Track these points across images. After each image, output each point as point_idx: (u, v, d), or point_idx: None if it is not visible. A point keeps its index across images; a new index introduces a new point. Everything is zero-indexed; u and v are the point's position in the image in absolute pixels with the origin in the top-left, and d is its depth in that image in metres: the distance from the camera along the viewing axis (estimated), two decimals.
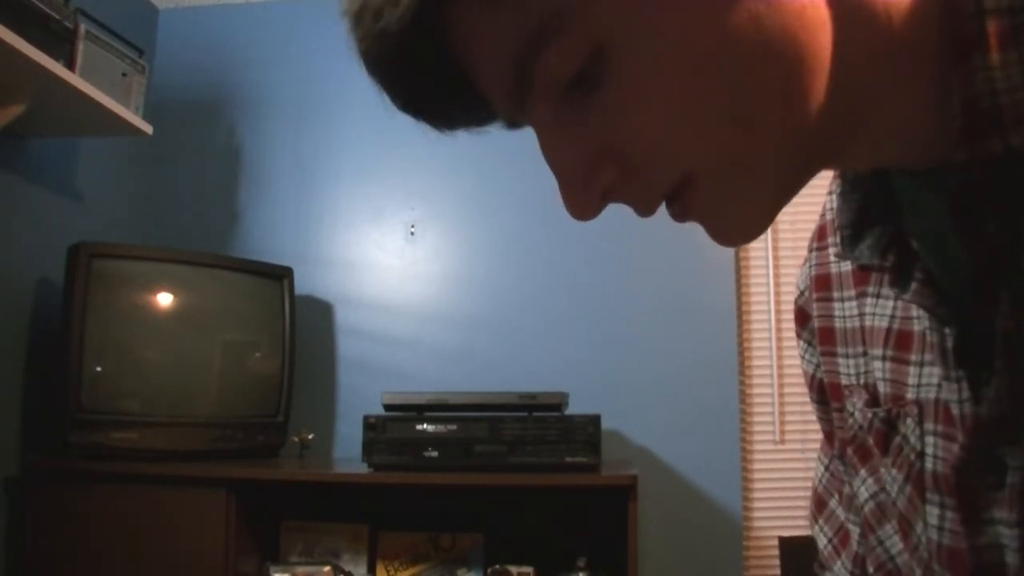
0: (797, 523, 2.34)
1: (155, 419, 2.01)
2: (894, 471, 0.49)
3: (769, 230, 2.45)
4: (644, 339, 2.41)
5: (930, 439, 0.45)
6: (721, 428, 2.35)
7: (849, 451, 0.54)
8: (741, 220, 0.40)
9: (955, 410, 0.42)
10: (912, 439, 0.47)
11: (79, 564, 1.86)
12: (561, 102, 0.39)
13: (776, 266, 2.46)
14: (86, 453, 1.92)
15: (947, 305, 0.43)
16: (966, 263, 0.39)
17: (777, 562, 2.05)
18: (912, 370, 0.47)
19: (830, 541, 0.59)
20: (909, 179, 0.43)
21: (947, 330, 0.43)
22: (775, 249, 2.47)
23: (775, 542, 2.12)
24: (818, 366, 0.58)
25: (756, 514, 2.36)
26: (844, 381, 0.55)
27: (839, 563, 0.58)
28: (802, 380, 2.31)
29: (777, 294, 2.44)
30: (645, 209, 0.42)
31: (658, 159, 0.38)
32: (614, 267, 2.46)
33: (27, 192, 2.10)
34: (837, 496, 0.60)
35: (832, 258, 0.56)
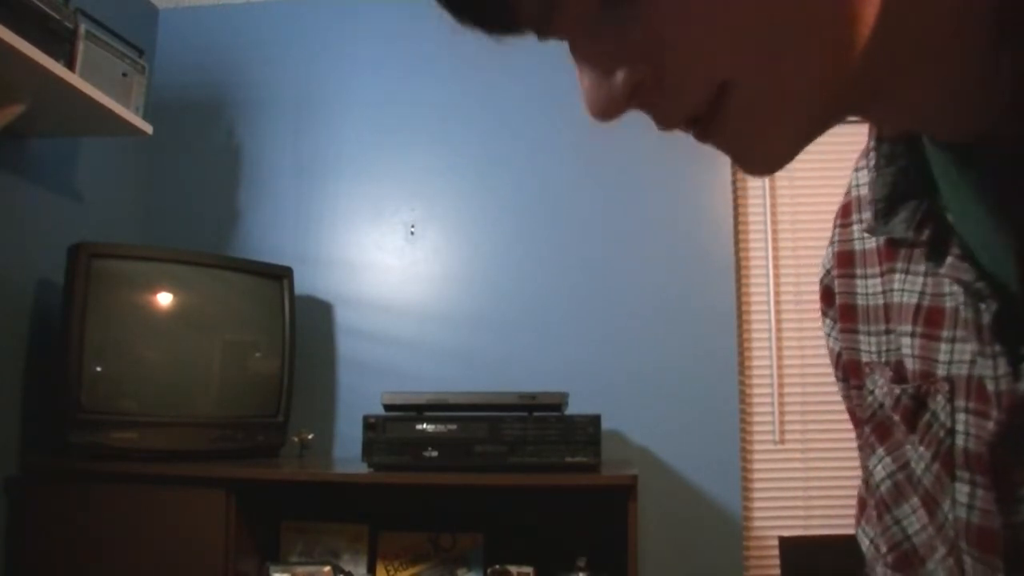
0: (797, 523, 2.34)
1: (155, 419, 2.01)
2: (921, 448, 0.48)
3: (769, 230, 2.46)
4: (644, 339, 2.41)
5: (961, 416, 0.45)
6: (721, 428, 2.35)
7: (866, 430, 0.54)
8: (769, 145, 0.38)
9: (991, 386, 0.42)
10: (942, 416, 0.46)
11: (79, 564, 1.87)
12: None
13: (776, 266, 2.46)
14: (86, 453, 1.92)
15: (984, 280, 0.42)
16: (1005, 238, 0.39)
17: (777, 562, 2.05)
18: (943, 347, 0.47)
19: (872, 541, 0.60)
20: (945, 152, 0.42)
21: (983, 305, 0.42)
22: (775, 249, 2.47)
23: (775, 542, 2.12)
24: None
25: (756, 514, 2.36)
26: (865, 358, 0.54)
27: (880, 564, 0.58)
28: (802, 379, 2.32)
29: (777, 294, 2.44)
30: (669, 120, 0.38)
31: (699, 63, 0.36)
32: (614, 267, 2.46)
33: (27, 192, 2.10)
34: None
35: (856, 235, 0.55)
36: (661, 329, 2.41)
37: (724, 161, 2.49)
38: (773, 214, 2.49)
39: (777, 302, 2.44)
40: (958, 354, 0.45)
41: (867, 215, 0.52)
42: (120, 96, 2.02)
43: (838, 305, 0.56)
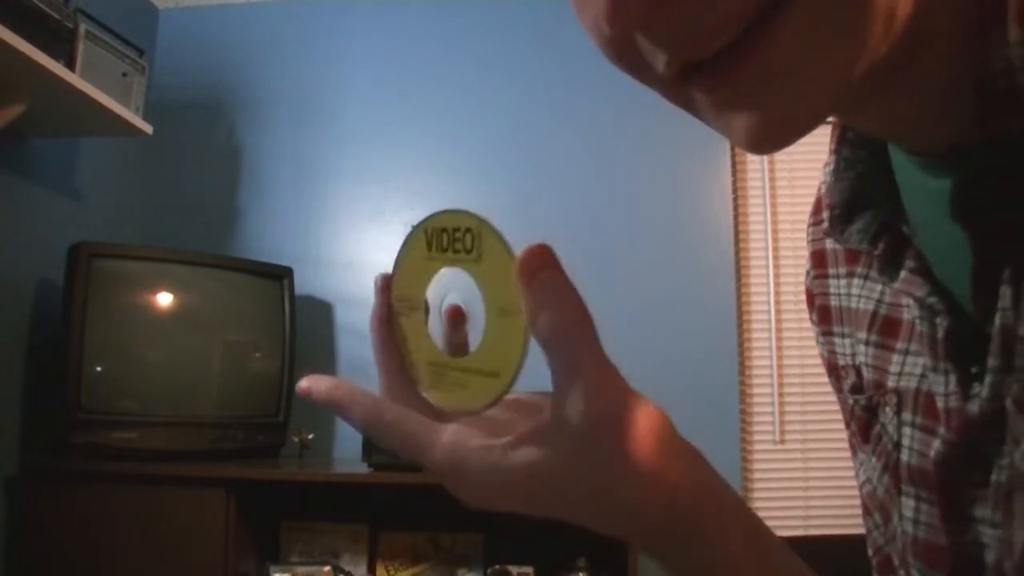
0: (797, 523, 2.34)
1: (155, 419, 2.01)
2: (874, 459, 0.48)
3: (769, 231, 2.46)
4: (644, 338, 2.41)
5: (907, 430, 0.44)
6: (721, 428, 2.35)
7: (848, 434, 0.53)
8: (807, 85, 0.32)
9: (940, 403, 0.41)
10: (890, 428, 0.46)
11: (79, 564, 1.87)
12: None
13: (776, 266, 2.46)
14: (86, 453, 1.92)
15: (939, 295, 0.41)
16: (965, 253, 0.37)
17: None
18: (895, 358, 0.46)
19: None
20: (914, 158, 0.41)
21: (938, 320, 0.41)
22: (775, 249, 2.47)
23: None
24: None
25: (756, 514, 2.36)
26: (840, 362, 0.54)
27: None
28: (802, 379, 2.31)
29: (777, 294, 2.44)
30: (693, 36, 0.31)
31: None
32: (614, 267, 2.46)
33: (27, 192, 2.10)
34: None
35: (825, 232, 0.54)
36: (661, 329, 2.41)
37: (724, 161, 2.49)
38: (773, 214, 2.49)
39: (777, 302, 2.44)
40: (909, 366, 0.45)
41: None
42: (120, 96, 2.02)
43: (817, 307, 0.56)
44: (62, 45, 1.85)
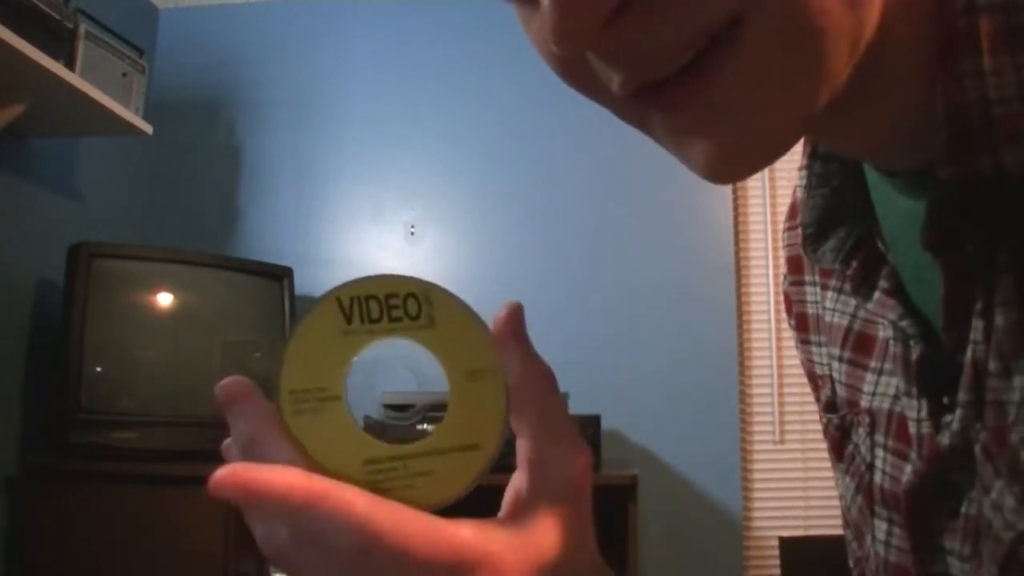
0: (797, 523, 2.34)
1: (155, 419, 2.01)
2: (847, 479, 0.47)
3: (769, 231, 2.46)
4: (644, 338, 2.41)
5: (880, 452, 0.43)
6: (721, 428, 2.35)
7: (827, 444, 0.52)
8: (763, 116, 0.30)
9: (912, 428, 0.40)
10: (863, 449, 0.45)
11: (79, 564, 1.86)
12: None
13: (776, 266, 2.46)
14: (86, 453, 1.92)
15: (912, 318, 0.40)
16: (938, 275, 0.36)
17: (777, 562, 2.05)
18: (869, 376, 0.44)
19: (849, 543, 0.59)
20: (888, 177, 0.39)
21: (912, 342, 0.40)
22: (775, 249, 2.47)
23: (775, 542, 2.12)
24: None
25: (756, 514, 2.36)
26: (818, 371, 0.52)
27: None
28: (802, 379, 2.30)
29: (777, 294, 2.44)
30: (644, 57, 0.29)
31: None
32: (614, 267, 2.46)
33: (27, 192, 2.10)
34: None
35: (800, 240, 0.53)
36: (661, 329, 2.41)
37: None
38: (773, 214, 2.49)
39: (777, 302, 2.44)
40: (882, 386, 0.43)
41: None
42: (120, 96, 2.02)
43: (795, 314, 0.54)
44: (62, 45, 1.85)
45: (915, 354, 0.39)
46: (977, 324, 0.34)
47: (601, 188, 2.50)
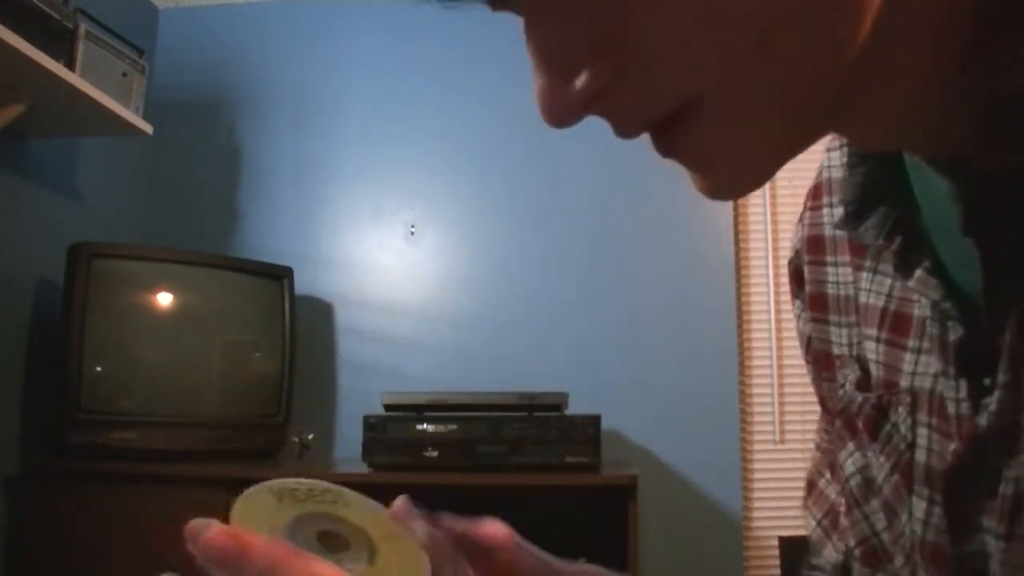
0: (797, 523, 2.34)
1: (155, 419, 2.01)
2: (882, 459, 0.47)
3: (769, 230, 2.46)
4: (644, 338, 2.41)
5: (923, 431, 0.44)
6: (721, 428, 2.35)
7: (838, 423, 0.52)
8: (740, 162, 0.35)
9: (951, 408, 0.41)
10: (903, 428, 0.45)
11: (79, 564, 1.86)
12: None
13: (776, 266, 2.46)
14: (86, 453, 1.92)
15: (953, 299, 0.40)
16: (977, 258, 0.37)
17: (777, 562, 2.05)
18: (908, 356, 0.45)
19: (819, 523, 0.57)
20: (927, 162, 0.40)
21: (950, 323, 0.40)
22: (775, 249, 2.47)
23: (775, 542, 2.12)
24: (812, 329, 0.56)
25: (756, 514, 2.36)
26: (836, 351, 0.53)
27: (829, 546, 0.56)
28: (802, 379, 2.30)
29: (777, 293, 2.44)
30: (629, 128, 0.35)
31: (668, 66, 0.32)
32: (614, 266, 2.46)
33: (27, 192, 2.10)
34: (828, 474, 0.58)
35: (826, 219, 0.53)
36: (661, 329, 2.41)
37: None
38: (773, 214, 2.49)
39: (777, 302, 2.44)
40: (923, 366, 0.44)
41: (836, 201, 0.50)
42: (120, 96, 2.02)
43: (808, 293, 0.54)
44: (62, 45, 1.85)
45: (953, 335, 0.40)
46: (1016, 307, 0.35)
47: (601, 188, 2.50)
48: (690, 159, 0.35)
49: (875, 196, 0.44)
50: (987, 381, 0.39)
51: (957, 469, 0.40)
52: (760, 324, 2.45)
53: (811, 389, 0.58)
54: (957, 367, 0.40)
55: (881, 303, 0.47)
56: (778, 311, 2.44)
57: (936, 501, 0.43)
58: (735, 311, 2.43)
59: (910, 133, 0.38)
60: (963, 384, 0.40)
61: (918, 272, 0.42)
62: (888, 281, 0.46)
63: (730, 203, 2.47)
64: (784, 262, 2.80)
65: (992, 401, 0.38)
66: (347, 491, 0.39)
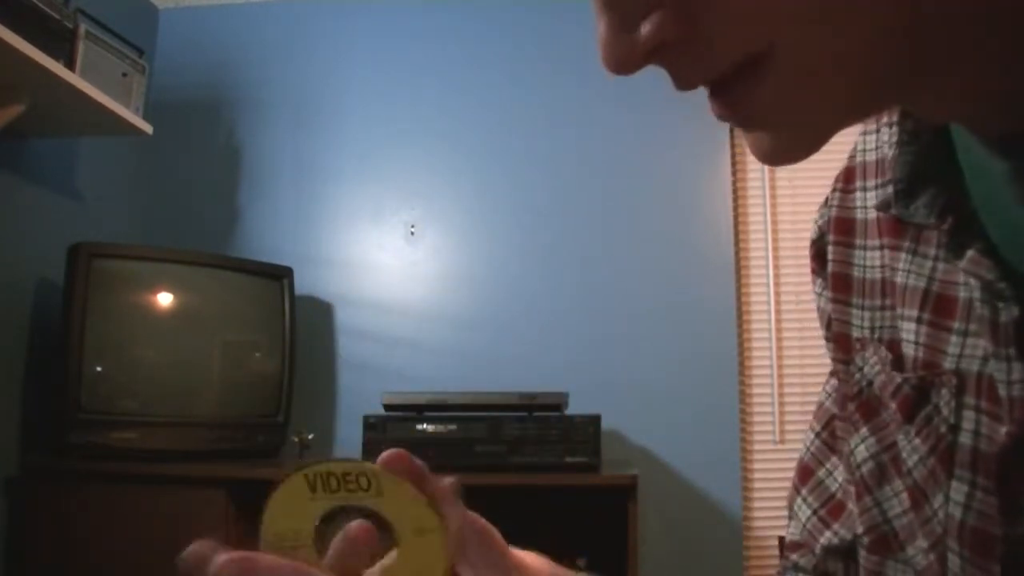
0: None
1: (155, 419, 2.01)
2: (916, 440, 0.46)
3: (769, 231, 2.46)
4: (644, 339, 2.41)
5: (970, 414, 0.43)
6: (721, 428, 2.35)
7: (851, 407, 0.52)
8: (802, 121, 0.34)
9: (1003, 391, 0.40)
10: (945, 411, 0.44)
11: (79, 564, 1.86)
12: None
13: (776, 266, 2.46)
14: (86, 453, 1.92)
15: (1008, 280, 0.39)
16: None
17: (777, 562, 2.05)
18: (954, 338, 0.44)
19: (815, 512, 0.57)
20: (980, 138, 0.39)
21: (1001, 304, 0.40)
22: (775, 249, 2.47)
23: (775, 542, 2.12)
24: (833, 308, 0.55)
25: (756, 514, 2.36)
26: (856, 333, 0.52)
27: (827, 533, 0.56)
28: (802, 379, 2.30)
29: (777, 294, 2.44)
30: (691, 80, 0.33)
31: (739, 16, 0.31)
32: (614, 267, 2.46)
33: (27, 192, 2.10)
34: (829, 463, 0.57)
35: (858, 203, 0.52)
36: (661, 329, 2.41)
37: (724, 161, 2.49)
38: (773, 214, 2.49)
39: (777, 302, 2.44)
40: (969, 348, 0.43)
41: (872, 184, 0.50)
42: (120, 96, 2.02)
43: (830, 273, 0.54)
44: (62, 45, 1.85)
45: (1005, 315, 0.40)
46: None
47: (601, 188, 2.50)
48: (750, 117, 0.34)
49: (926, 176, 0.44)
50: None
51: (1011, 450, 0.40)
52: (760, 324, 2.45)
53: (811, 389, 0.58)
54: (1009, 348, 0.40)
55: (923, 284, 0.46)
56: (778, 311, 2.44)
57: (979, 485, 0.42)
58: (735, 311, 2.43)
59: (977, 106, 0.37)
60: (1016, 365, 0.39)
61: (970, 253, 0.41)
62: (929, 263, 0.46)
63: (730, 203, 2.47)
64: (784, 262, 2.80)
65: None
66: (385, 477, 0.40)
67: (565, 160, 2.52)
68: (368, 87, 2.63)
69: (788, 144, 0.35)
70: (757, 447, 2.39)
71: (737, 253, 2.47)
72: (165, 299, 2.14)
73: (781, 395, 2.40)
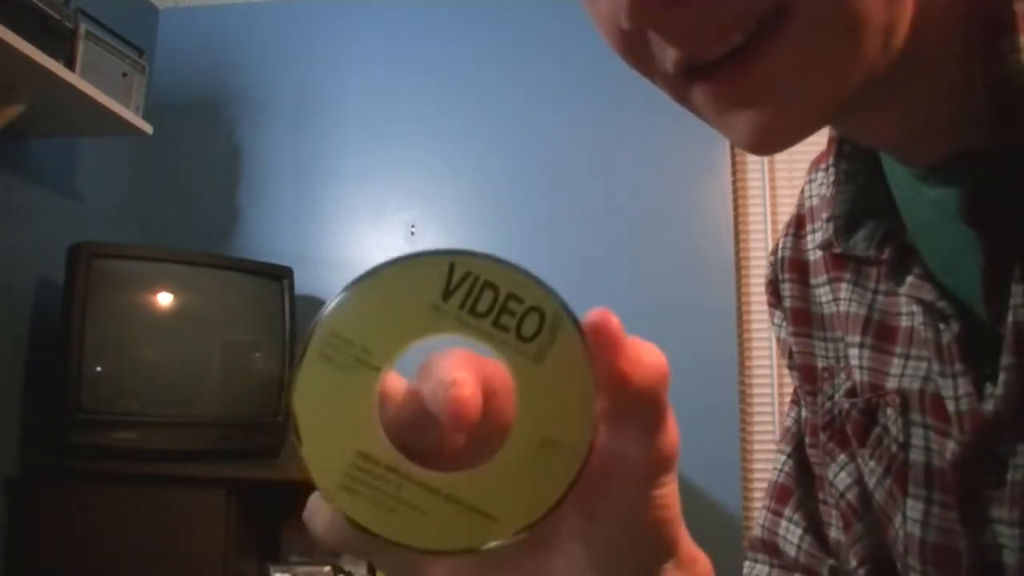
0: None
1: (155, 419, 2.01)
2: (872, 463, 0.47)
3: (768, 231, 2.46)
4: (644, 339, 2.41)
5: (918, 431, 0.44)
6: (721, 428, 2.35)
7: (823, 436, 0.52)
8: (805, 95, 0.34)
9: (951, 406, 0.41)
10: (894, 430, 0.45)
11: (79, 564, 1.86)
12: None
13: None
14: (86, 453, 1.92)
15: (947, 300, 0.41)
16: (971, 257, 0.38)
17: None
18: (896, 360, 0.46)
19: (806, 531, 0.57)
20: (911, 170, 0.42)
21: (942, 325, 0.41)
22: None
23: None
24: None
25: (756, 514, 2.36)
26: (821, 363, 0.53)
27: (830, 562, 0.55)
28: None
29: None
30: (700, 36, 0.33)
31: None
32: (614, 267, 2.46)
33: (27, 192, 2.10)
34: (808, 484, 0.57)
35: (809, 246, 0.54)
36: (661, 329, 2.39)
37: (724, 161, 2.49)
38: (773, 214, 2.49)
39: None
40: (911, 368, 0.45)
41: (818, 226, 0.52)
42: (120, 96, 2.02)
43: (789, 308, 0.55)
44: (62, 45, 1.85)
45: (949, 334, 0.41)
46: (1017, 290, 0.37)
47: (601, 188, 2.50)
48: (756, 83, 0.34)
49: (864, 212, 0.46)
50: (988, 371, 0.39)
51: (966, 461, 0.41)
52: (760, 324, 2.45)
53: (798, 383, 0.58)
54: (954, 364, 0.41)
55: (864, 312, 0.48)
56: None
57: (935, 500, 0.43)
58: (735, 311, 2.43)
59: (922, 130, 0.39)
60: (962, 381, 0.40)
61: (910, 278, 0.43)
62: (869, 295, 0.48)
63: (730, 203, 2.47)
64: (781, 263, 2.81)
65: (997, 387, 0.38)
66: (568, 337, 0.26)
67: (565, 160, 2.52)
68: (368, 87, 2.63)
69: (782, 121, 0.35)
70: (757, 447, 2.39)
71: (737, 253, 2.47)
72: (165, 299, 2.14)
73: (781, 395, 2.40)
